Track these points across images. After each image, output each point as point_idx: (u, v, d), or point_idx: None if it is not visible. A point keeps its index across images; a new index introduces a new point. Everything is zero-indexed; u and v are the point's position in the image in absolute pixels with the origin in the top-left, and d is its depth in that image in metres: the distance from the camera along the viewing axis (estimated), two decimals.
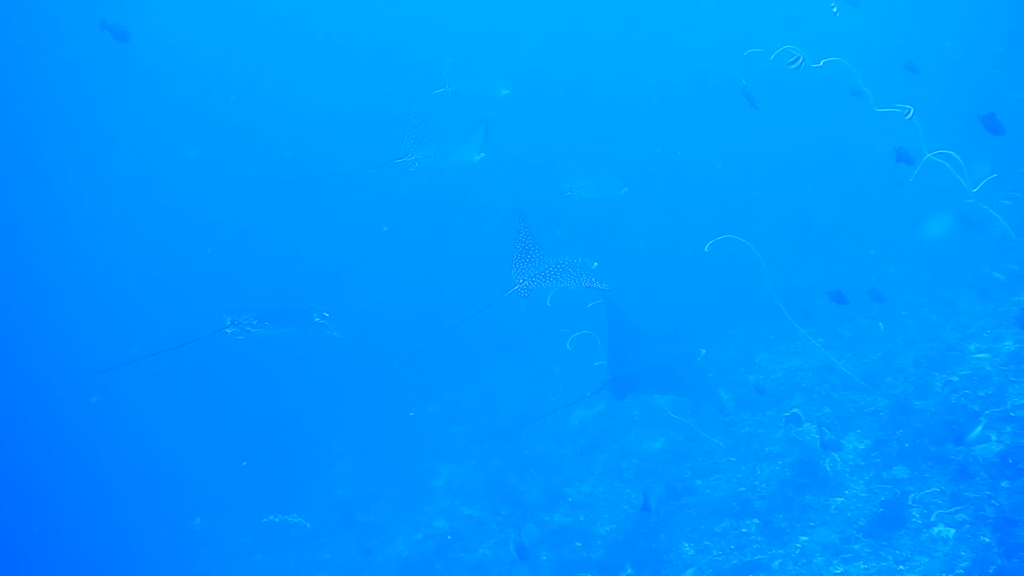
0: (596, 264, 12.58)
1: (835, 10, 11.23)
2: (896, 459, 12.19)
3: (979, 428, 11.27)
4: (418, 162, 15.59)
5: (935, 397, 13.19)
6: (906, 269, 18.77)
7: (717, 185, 25.40)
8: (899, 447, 12.43)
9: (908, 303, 16.98)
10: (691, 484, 14.16)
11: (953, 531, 10.41)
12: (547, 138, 26.84)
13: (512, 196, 22.58)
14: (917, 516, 10.92)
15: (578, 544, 14.08)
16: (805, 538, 11.71)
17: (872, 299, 14.93)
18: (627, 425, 17.30)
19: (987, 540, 9.93)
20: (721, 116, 25.52)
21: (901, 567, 10.31)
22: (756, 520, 12.57)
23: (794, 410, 13.77)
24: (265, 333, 12.12)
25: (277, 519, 16.59)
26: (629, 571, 12.79)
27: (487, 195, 24.11)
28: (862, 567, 10.61)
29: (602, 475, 15.87)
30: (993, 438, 11.42)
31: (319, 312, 12.39)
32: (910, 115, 10.69)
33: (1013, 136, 10.93)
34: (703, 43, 29.02)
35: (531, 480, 16.44)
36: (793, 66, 11.12)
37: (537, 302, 14.79)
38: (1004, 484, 10.56)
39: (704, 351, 13.44)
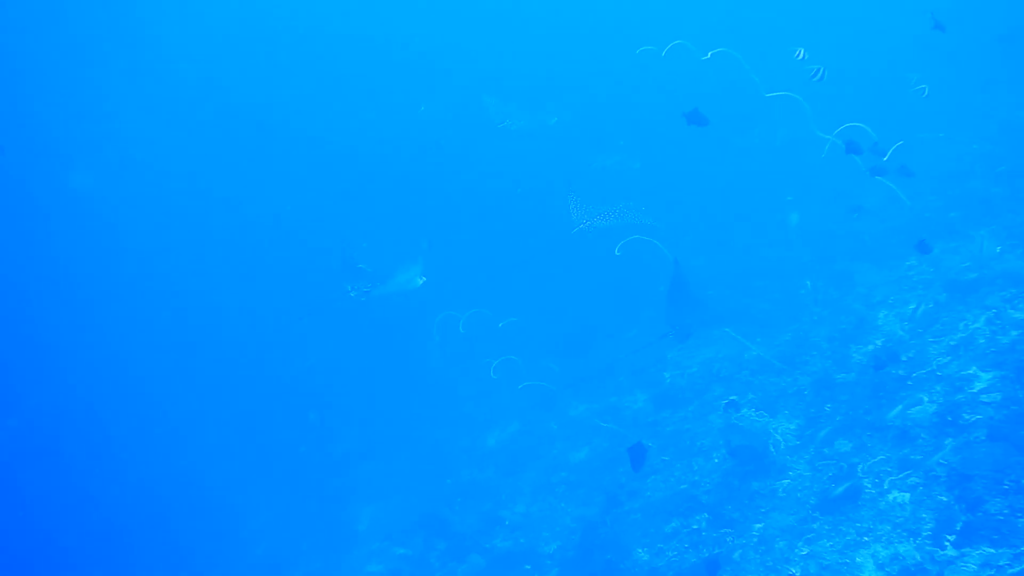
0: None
1: (817, 76, 10.66)
2: (834, 434, 12.14)
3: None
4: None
5: (856, 369, 13.29)
6: (797, 250, 19.02)
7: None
8: (832, 422, 12.42)
9: (801, 284, 17.14)
10: (630, 488, 13.78)
11: (908, 495, 10.40)
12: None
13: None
14: (870, 486, 10.87)
15: (528, 567, 13.49)
16: (760, 525, 11.51)
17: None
18: (547, 439, 16.88)
19: (945, 499, 9.93)
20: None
21: (866, 538, 10.20)
22: (706, 515, 12.32)
23: (731, 397, 13.62)
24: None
25: None
26: None
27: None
28: (827, 544, 10.46)
29: (534, 493, 15.36)
30: (925, 399, 11.54)
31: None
32: (819, 75, 10.63)
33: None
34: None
35: (462, 509, 15.75)
36: (815, 78, 10.80)
37: (450, 333, 14.50)
38: (948, 442, 10.63)
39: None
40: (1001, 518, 9.11)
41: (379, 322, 20.31)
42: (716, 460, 13.34)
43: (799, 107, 12.53)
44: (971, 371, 11.41)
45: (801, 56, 10.25)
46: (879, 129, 10.95)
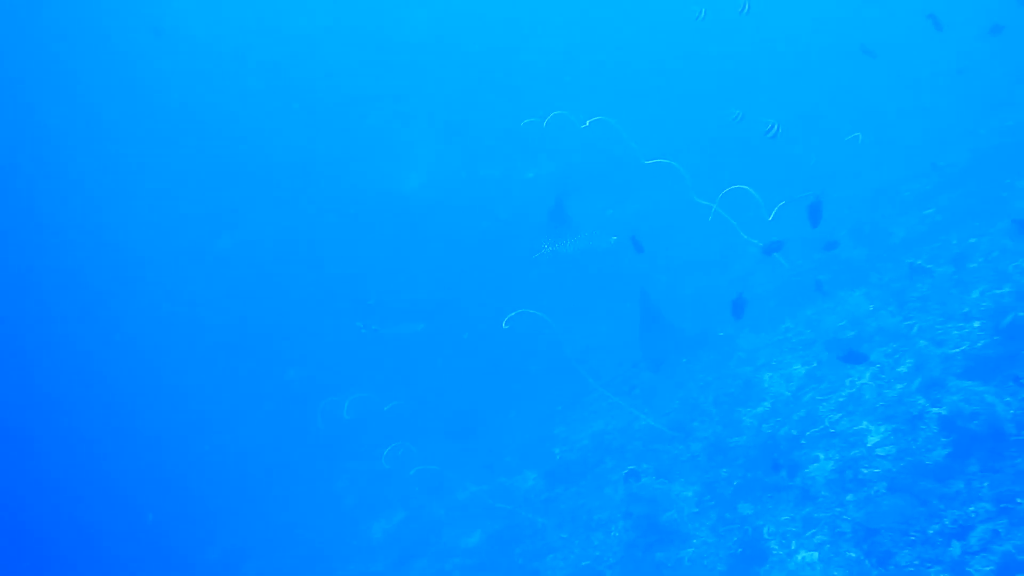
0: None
1: (771, 133, 10.56)
2: (734, 498, 11.98)
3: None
4: None
5: (748, 431, 13.27)
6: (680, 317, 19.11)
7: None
8: (731, 486, 12.28)
9: (687, 351, 17.22)
10: (530, 569, 13.18)
11: (816, 554, 10.28)
12: None
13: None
14: (777, 548, 10.73)
15: None
16: None
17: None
18: (435, 526, 16.12)
19: (854, 555, 9.85)
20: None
21: None
22: None
23: (630, 467, 13.32)
24: None
25: None
26: None
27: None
28: None
29: None
30: (822, 457, 11.55)
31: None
32: (773, 131, 10.65)
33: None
34: None
35: None
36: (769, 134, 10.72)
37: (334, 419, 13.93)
38: (849, 498, 10.60)
39: None
40: (912, 569, 9.06)
41: (259, 411, 19.15)
42: (616, 533, 12.95)
43: (678, 174, 12.72)
44: (863, 426, 11.52)
45: (771, 129, 10.25)
46: (769, 187, 11.12)
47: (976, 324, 11.99)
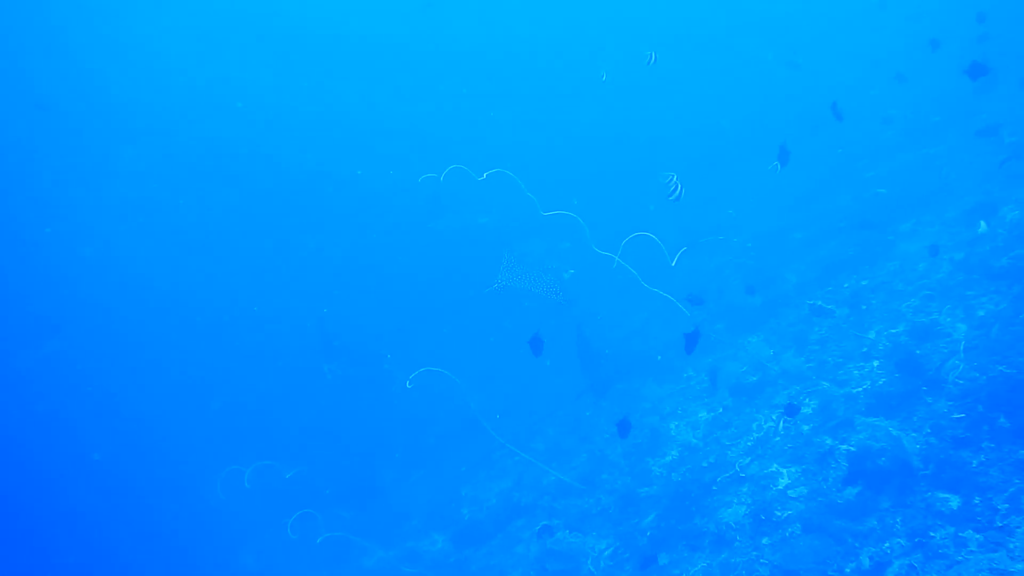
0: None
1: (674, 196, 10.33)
2: (649, 548, 11.74)
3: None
4: None
5: (658, 481, 13.12)
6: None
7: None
8: (645, 536, 12.05)
9: (590, 404, 17.09)
10: None
11: None
12: None
13: None
14: None
15: None
16: None
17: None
18: None
19: None
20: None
21: None
22: None
23: (543, 522, 12.94)
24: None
25: None
26: None
27: None
28: None
29: None
30: (735, 501, 11.47)
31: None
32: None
33: None
34: None
35: None
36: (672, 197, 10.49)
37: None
38: (765, 541, 10.51)
39: None
40: None
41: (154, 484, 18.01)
42: None
43: (578, 225, 12.71)
44: (773, 468, 11.50)
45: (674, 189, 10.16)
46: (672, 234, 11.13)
47: (875, 363, 12.21)
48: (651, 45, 11.80)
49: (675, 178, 9.25)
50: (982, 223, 13.40)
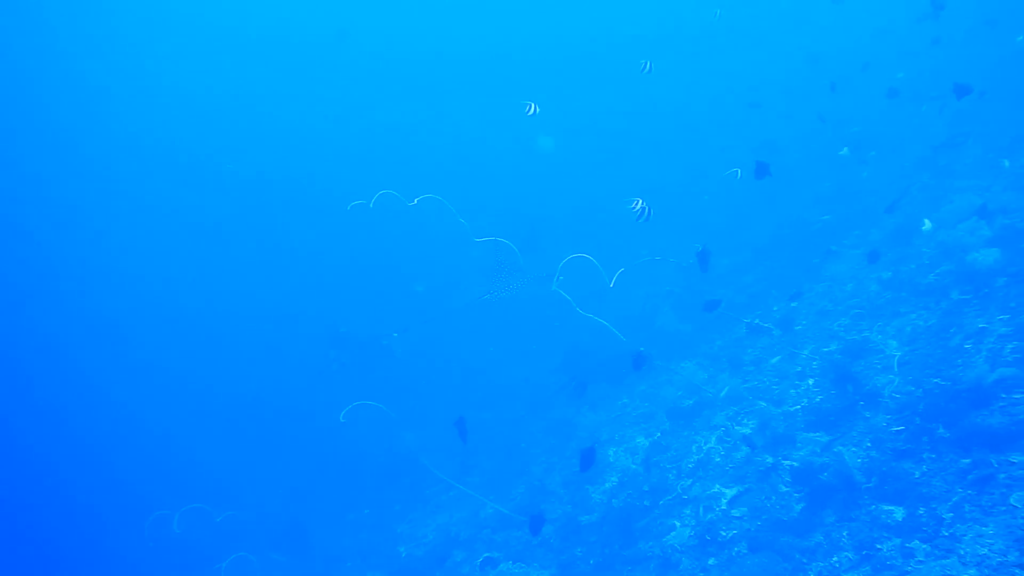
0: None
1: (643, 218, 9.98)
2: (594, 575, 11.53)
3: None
4: None
5: (599, 508, 12.94)
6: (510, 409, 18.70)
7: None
8: (587, 564, 11.84)
9: (526, 434, 16.85)
10: None
11: None
12: None
13: None
14: None
15: None
16: None
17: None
18: None
19: None
20: None
21: None
22: None
23: (484, 555, 12.61)
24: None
25: None
26: None
27: None
28: None
29: None
30: (678, 524, 11.35)
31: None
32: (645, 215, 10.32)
33: None
34: None
35: None
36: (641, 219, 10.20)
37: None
38: (711, 562, 10.40)
39: None
40: None
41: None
42: None
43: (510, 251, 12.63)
44: (716, 489, 11.44)
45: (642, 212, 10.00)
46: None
47: (811, 382, 12.31)
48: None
49: (640, 202, 9.28)
50: (926, 221, 13.76)
